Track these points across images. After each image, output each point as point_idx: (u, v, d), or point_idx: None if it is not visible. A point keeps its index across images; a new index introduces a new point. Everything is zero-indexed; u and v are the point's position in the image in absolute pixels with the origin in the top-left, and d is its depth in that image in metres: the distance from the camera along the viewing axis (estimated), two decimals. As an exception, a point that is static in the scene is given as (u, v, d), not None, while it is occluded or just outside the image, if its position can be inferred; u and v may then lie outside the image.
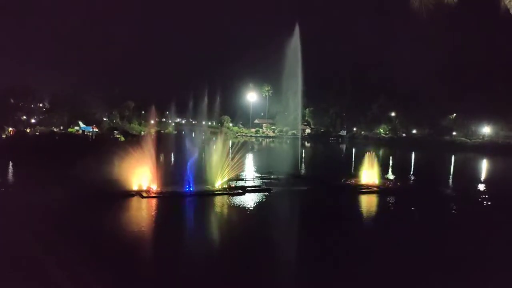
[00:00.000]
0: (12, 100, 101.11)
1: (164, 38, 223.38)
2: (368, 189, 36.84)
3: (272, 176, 42.43)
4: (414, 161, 70.97)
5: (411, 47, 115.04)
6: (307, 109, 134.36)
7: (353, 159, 50.88)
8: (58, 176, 35.48)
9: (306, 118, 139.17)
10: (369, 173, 39.24)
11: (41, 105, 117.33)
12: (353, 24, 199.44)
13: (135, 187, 32.99)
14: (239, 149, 44.30)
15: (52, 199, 28.32)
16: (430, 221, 27.15)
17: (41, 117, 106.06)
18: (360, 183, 38.95)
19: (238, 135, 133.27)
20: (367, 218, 29.09)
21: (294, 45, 46.35)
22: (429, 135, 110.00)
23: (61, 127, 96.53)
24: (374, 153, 41.38)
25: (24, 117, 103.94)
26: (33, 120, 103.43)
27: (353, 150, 73.13)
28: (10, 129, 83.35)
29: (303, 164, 46.43)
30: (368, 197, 34.91)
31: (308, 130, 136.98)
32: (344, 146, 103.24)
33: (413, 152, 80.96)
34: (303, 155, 47.90)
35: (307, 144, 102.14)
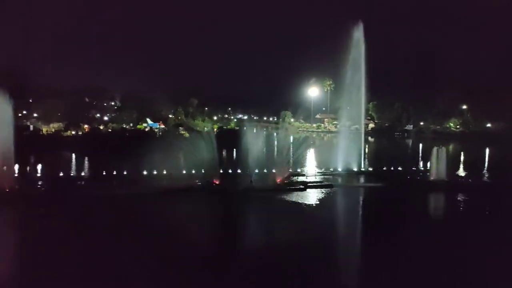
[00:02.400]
0: (87, 99, 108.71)
1: (226, 36, 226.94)
2: (437, 186, 34.91)
3: (334, 172, 41.66)
4: (489, 157, 66.21)
5: (483, 35, 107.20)
6: (371, 103, 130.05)
7: (420, 155, 48.50)
8: (135, 170, 37.56)
9: (370, 113, 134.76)
10: (438, 169, 37.07)
11: (112, 103, 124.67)
12: (420, 12, 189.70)
13: (198, 181, 34.00)
14: (300, 144, 44.03)
15: (138, 191, 30.51)
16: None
17: (113, 114, 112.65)
18: (428, 179, 37.05)
19: (300, 130, 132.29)
20: (436, 218, 27.45)
21: (357, 37, 45.04)
22: (506, 130, 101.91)
23: (131, 124, 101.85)
24: (444, 148, 39.07)
25: (98, 115, 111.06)
26: (105, 118, 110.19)
27: (420, 145, 69.85)
28: (86, 126, 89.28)
29: (366, 160, 45.04)
30: (437, 195, 33.09)
31: (371, 125, 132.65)
32: (410, 141, 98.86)
33: (487, 148, 75.59)
34: (367, 151, 46.44)
35: (371, 139, 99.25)
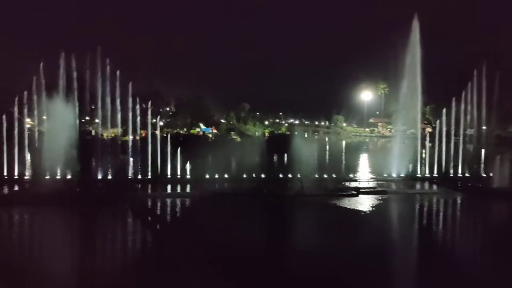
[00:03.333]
0: (143, 105, 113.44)
1: (277, 39, 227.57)
2: (501, 194, 32.71)
3: (389, 178, 40.41)
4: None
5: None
6: (428, 107, 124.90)
7: (482, 160, 45.85)
8: (187, 173, 38.82)
9: (427, 116, 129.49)
10: (502, 176, 34.68)
11: (168, 109, 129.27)
12: (479, 9, 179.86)
13: (251, 186, 34.28)
14: (352, 149, 43.21)
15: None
16: None
17: (167, 120, 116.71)
18: (491, 187, 34.85)
19: (352, 135, 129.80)
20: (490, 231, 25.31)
21: (413, 39, 43.54)
22: None
23: (185, 129, 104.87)
24: (509, 154, 36.60)
25: (154, 120, 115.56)
26: (161, 123, 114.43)
27: (482, 150, 65.95)
28: (143, 131, 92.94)
29: (422, 165, 43.28)
30: (501, 204, 31.05)
31: (429, 129, 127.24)
32: (471, 146, 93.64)
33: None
34: (423, 156, 44.64)
35: (428, 144, 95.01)
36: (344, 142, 46.25)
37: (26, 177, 36.49)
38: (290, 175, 36.97)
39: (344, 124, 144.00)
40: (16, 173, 36.93)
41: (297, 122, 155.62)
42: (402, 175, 40.77)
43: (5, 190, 33.25)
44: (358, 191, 33.23)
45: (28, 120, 47.45)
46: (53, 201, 27.66)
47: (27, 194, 31.00)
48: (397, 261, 19.02)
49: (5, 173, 36.62)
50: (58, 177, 34.43)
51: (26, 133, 39.96)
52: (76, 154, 34.48)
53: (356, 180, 38.75)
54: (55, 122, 36.98)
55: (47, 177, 34.05)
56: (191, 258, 18.41)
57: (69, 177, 35.03)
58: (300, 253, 19.58)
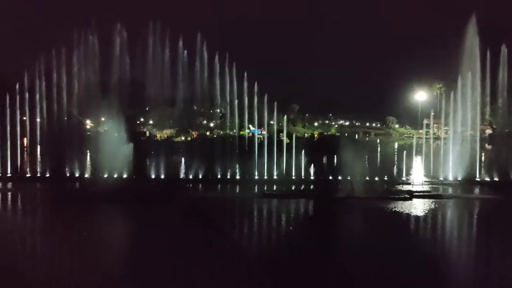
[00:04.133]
0: (195, 107, 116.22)
1: (328, 39, 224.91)
2: None
3: (445, 181, 38.71)
4: None
5: None
6: (488, 107, 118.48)
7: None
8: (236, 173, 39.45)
9: (487, 117, 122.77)
10: None
11: (218, 110, 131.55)
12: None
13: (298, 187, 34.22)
14: (405, 151, 41.85)
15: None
16: None
17: (218, 121, 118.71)
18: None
19: (405, 136, 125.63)
20: None
21: (471, 37, 41.45)
22: None
23: (234, 130, 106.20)
24: None
25: (205, 121, 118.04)
26: (211, 124, 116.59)
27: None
28: (194, 132, 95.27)
29: (482, 169, 41.06)
30: None
31: (489, 131, 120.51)
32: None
33: None
34: (483, 159, 42.30)
35: (488, 147, 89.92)
36: (396, 144, 44.79)
37: (86, 176, 38.60)
38: (340, 177, 36.44)
39: (397, 125, 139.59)
40: (77, 171, 39.12)
41: (347, 123, 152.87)
42: (459, 178, 38.90)
43: (67, 187, 35.35)
44: (411, 195, 32.10)
45: (88, 121, 50.26)
46: (111, 199, 29.05)
47: (87, 191, 32.73)
48: (462, 274, 17.75)
49: (67, 172, 38.93)
50: (115, 176, 36.10)
51: (87, 134, 42.34)
52: (132, 154, 36.01)
53: (409, 183, 37.51)
54: (112, 123, 38.92)
55: (105, 175, 35.85)
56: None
57: (125, 176, 36.64)
58: (357, 257, 18.97)
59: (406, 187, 35.53)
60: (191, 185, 37.49)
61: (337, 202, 30.90)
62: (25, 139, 42.09)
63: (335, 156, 40.89)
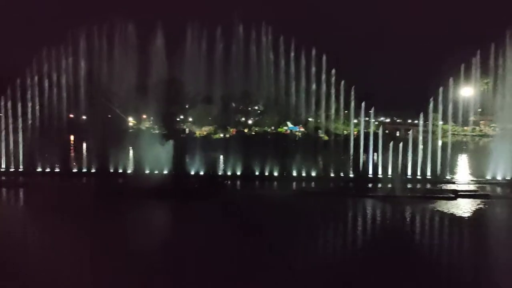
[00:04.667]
0: (233, 104, 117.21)
1: (369, 35, 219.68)
2: None
3: (492, 181, 36.89)
4: None
5: None
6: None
7: None
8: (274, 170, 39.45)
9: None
10: None
11: (256, 107, 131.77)
12: None
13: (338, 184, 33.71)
14: (450, 148, 40.29)
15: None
16: None
17: (256, 118, 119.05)
18: None
19: (450, 133, 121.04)
20: None
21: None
22: None
23: (272, 127, 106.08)
24: None
25: (243, 118, 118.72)
26: (249, 121, 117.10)
27: None
28: (232, 129, 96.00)
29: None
30: None
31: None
32: None
33: None
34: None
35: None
36: (440, 142, 43.17)
37: (128, 172, 39.71)
38: (380, 175, 35.61)
39: (441, 122, 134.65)
40: (120, 167, 40.28)
41: (388, 120, 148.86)
42: (508, 178, 36.97)
43: (110, 183, 36.43)
44: (456, 194, 30.85)
45: (130, 118, 51.80)
46: (152, 194, 29.79)
47: (130, 187, 33.66)
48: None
49: (111, 168, 40.17)
50: (157, 171, 36.95)
51: (129, 131, 43.55)
52: (172, 150, 36.74)
53: (454, 182, 36.09)
54: (153, 121, 39.77)
55: (147, 171, 36.83)
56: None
57: (166, 172, 37.44)
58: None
59: (450, 186, 34.19)
60: (229, 182, 37.75)
61: (377, 200, 30.22)
62: (71, 136, 43.87)
63: (375, 153, 39.95)
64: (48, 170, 39.45)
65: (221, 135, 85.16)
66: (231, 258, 18.02)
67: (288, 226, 23.75)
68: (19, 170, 39.51)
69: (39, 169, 39.37)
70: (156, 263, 17.27)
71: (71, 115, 43.30)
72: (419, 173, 36.09)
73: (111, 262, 17.01)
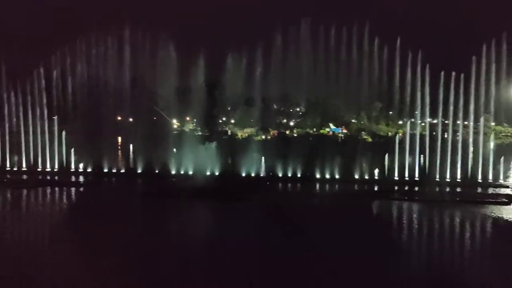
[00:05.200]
0: (274, 106, 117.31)
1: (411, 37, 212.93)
2: None
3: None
4: None
5: None
6: None
7: None
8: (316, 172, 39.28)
9: None
10: None
11: (297, 109, 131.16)
12: None
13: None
14: (503, 151, 38.27)
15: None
16: None
17: (297, 120, 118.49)
18: None
19: (502, 135, 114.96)
20: None
21: None
22: None
23: (314, 129, 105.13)
24: None
25: (284, 120, 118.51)
26: (291, 123, 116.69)
27: None
28: (273, 131, 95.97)
29: None
30: None
31: None
32: None
33: None
34: None
35: None
36: (492, 144, 41.09)
37: (173, 173, 40.64)
38: (427, 179, 34.40)
39: (493, 124, 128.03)
40: (165, 168, 41.28)
41: (435, 121, 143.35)
42: None
43: (155, 183, 37.38)
44: (510, 199, 29.24)
45: (174, 121, 53.07)
46: (197, 194, 30.41)
47: (175, 187, 34.47)
48: None
49: (156, 168, 41.26)
50: (200, 172, 37.61)
51: (173, 132, 44.55)
52: (215, 152, 37.38)
53: (508, 187, 34.22)
54: (196, 123, 40.51)
55: (190, 172, 37.54)
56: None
57: (209, 173, 38.05)
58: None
59: (504, 191, 32.46)
60: (269, 183, 37.77)
61: (425, 205, 29.12)
62: (119, 137, 45.36)
63: (421, 155, 38.62)
64: (96, 170, 41.26)
65: (263, 136, 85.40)
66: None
67: (337, 229, 23.52)
68: (71, 170, 41.40)
69: (89, 170, 41.32)
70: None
71: (119, 117, 44.81)
72: (469, 176, 34.46)
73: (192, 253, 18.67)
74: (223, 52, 45.05)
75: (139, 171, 41.45)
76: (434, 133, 42.22)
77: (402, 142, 39.59)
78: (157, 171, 40.83)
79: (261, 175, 40.26)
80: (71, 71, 43.38)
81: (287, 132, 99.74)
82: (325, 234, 22.02)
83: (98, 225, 22.98)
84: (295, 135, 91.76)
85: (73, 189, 35.60)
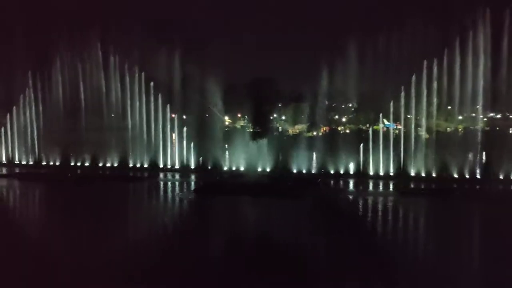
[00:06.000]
0: (326, 102, 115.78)
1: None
2: None
3: None
4: None
5: None
6: None
7: None
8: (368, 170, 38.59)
9: None
10: None
11: (350, 105, 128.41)
12: None
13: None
14: None
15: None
16: None
17: (350, 116, 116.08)
18: None
19: None
20: None
21: None
22: None
23: (367, 125, 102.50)
24: None
25: (336, 116, 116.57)
26: (343, 119, 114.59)
27: None
28: (325, 127, 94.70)
29: None
30: None
31: None
32: None
33: None
34: None
35: None
36: None
37: (224, 169, 41.39)
38: (488, 177, 32.56)
39: None
40: (216, 164, 42.19)
41: (498, 116, 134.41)
42: None
43: (206, 179, 38.20)
44: None
45: (226, 117, 53.94)
46: (247, 191, 30.81)
47: (226, 184, 35.03)
48: None
49: (208, 164, 42.21)
50: (251, 169, 38.03)
51: (225, 129, 45.27)
52: (266, 149, 37.66)
53: None
54: (248, 120, 40.86)
55: (242, 168, 37.94)
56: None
57: (260, 169, 38.34)
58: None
59: None
60: (320, 180, 37.39)
61: (489, 205, 27.50)
62: (173, 134, 46.82)
63: (483, 152, 36.53)
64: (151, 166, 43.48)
65: (314, 133, 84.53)
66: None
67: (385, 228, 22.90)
68: (130, 166, 43.69)
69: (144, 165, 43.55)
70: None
71: (173, 115, 46.19)
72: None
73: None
74: (274, 47, 45.03)
75: (192, 167, 42.87)
76: (497, 128, 39.75)
77: (463, 137, 37.73)
78: (208, 167, 41.89)
79: (313, 172, 39.99)
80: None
81: (339, 128, 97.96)
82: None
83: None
84: (347, 131, 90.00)
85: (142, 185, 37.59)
